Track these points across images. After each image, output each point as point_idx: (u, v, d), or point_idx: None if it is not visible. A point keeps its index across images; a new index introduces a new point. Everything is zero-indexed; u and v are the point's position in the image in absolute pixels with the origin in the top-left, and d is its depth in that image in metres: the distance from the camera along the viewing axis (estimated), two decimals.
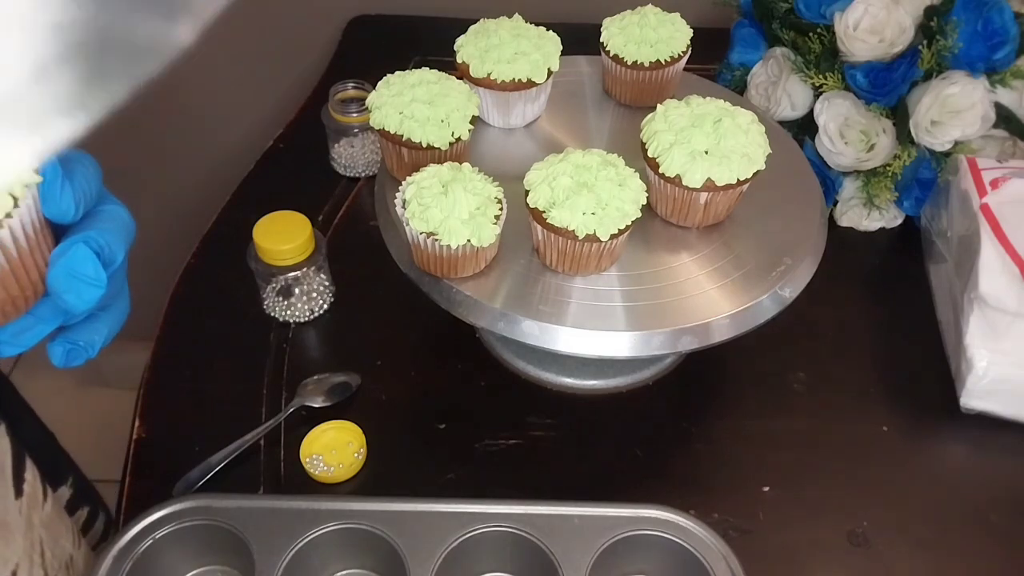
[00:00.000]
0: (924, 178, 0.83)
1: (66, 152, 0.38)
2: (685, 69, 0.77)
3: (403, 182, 0.63)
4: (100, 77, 0.16)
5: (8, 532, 0.55)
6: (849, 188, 0.87)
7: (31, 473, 0.60)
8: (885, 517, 0.67)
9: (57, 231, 0.38)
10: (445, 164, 0.63)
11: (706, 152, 0.63)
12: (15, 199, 0.35)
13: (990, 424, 0.73)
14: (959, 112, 0.79)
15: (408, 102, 0.66)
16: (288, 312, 0.78)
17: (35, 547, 0.58)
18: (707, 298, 0.63)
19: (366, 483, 0.68)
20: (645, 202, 0.63)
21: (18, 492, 0.57)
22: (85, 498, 0.79)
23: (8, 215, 0.35)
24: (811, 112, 0.85)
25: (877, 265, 0.88)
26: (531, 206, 0.61)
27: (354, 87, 0.90)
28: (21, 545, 0.57)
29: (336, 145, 0.92)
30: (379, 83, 0.69)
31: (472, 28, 0.73)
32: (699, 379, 0.76)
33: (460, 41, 0.73)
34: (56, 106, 0.16)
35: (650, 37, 0.73)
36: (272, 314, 0.79)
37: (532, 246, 0.65)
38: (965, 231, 0.76)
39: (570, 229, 0.60)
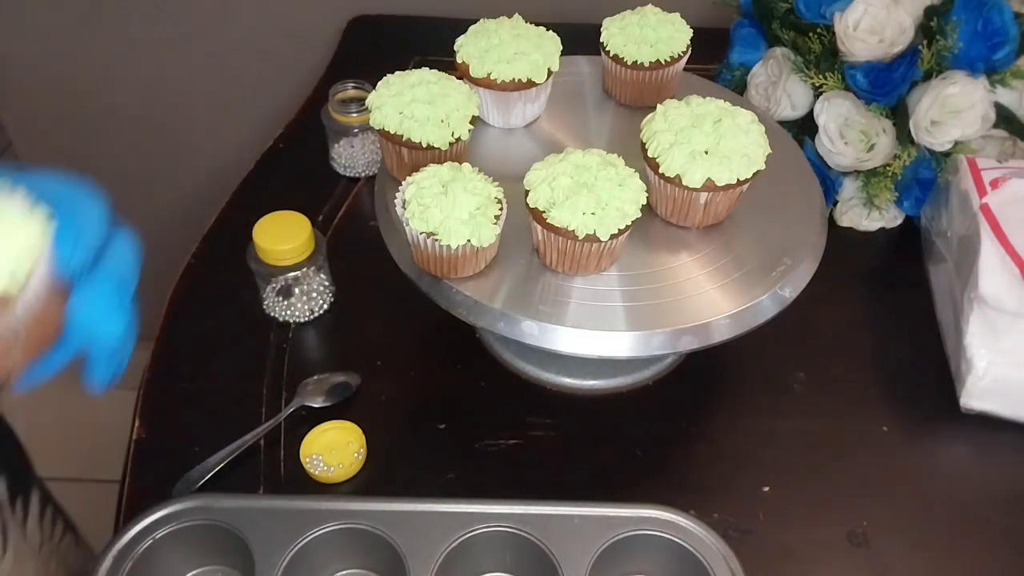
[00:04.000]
0: (924, 178, 0.83)
1: (76, 194, 0.41)
2: (685, 69, 0.77)
3: (403, 182, 0.63)
4: None
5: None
6: (849, 188, 0.87)
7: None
8: (885, 517, 0.67)
9: None
10: (445, 164, 0.63)
11: (706, 152, 0.63)
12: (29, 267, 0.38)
13: (990, 424, 0.73)
14: (959, 112, 0.79)
15: (408, 102, 0.66)
16: (288, 312, 0.78)
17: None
18: (707, 298, 0.63)
19: (366, 483, 0.68)
20: (645, 202, 0.63)
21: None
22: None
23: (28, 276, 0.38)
24: (811, 112, 0.85)
25: (877, 265, 0.88)
26: (531, 206, 0.61)
27: (354, 87, 0.90)
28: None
29: (336, 145, 0.92)
30: (379, 83, 0.69)
31: (472, 28, 0.73)
32: (699, 379, 0.76)
33: (460, 41, 0.73)
34: None
35: (650, 37, 0.73)
36: (272, 314, 0.79)
37: (532, 246, 0.65)
38: (965, 231, 0.76)
39: (570, 229, 0.60)
